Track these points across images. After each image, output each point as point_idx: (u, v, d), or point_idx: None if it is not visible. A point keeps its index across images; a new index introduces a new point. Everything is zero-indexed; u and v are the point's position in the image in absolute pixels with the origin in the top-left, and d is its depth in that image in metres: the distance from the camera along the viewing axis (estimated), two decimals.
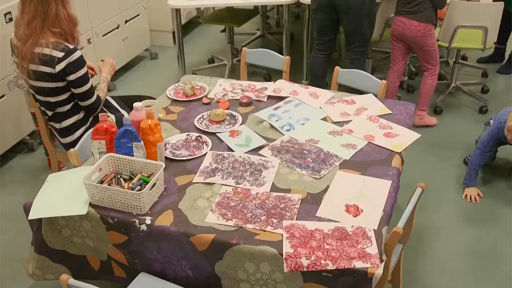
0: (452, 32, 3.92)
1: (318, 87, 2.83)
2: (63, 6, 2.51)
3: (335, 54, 5.29)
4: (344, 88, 3.00)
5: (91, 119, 2.75)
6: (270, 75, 4.61)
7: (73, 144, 2.57)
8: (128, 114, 2.59)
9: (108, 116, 2.58)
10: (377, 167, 2.15)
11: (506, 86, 4.72)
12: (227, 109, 2.56)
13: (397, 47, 3.86)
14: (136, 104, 2.17)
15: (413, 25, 3.62)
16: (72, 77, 2.53)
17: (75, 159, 2.22)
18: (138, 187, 1.92)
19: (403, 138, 2.36)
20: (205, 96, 2.71)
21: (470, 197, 3.22)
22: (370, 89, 2.85)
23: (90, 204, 1.93)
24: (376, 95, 2.75)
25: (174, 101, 2.69)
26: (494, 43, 4.31)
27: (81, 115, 2.71)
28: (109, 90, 4.45)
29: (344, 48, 3.98)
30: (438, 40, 4.07)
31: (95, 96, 2.66)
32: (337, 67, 3.02)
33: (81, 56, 2.54)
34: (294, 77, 4.18)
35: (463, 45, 4.11)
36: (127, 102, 2.97)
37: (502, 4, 3.90)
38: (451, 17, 3.90)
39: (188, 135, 2.35)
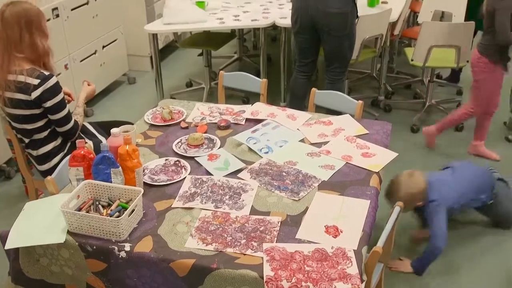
0: (426, 52, 3.99)
1: (298, 109, 2.85)
2: (30, 34, 2.51)
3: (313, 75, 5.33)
4: (321, 110, 3.03)
5: (68, 145, 2.74)
6: (248, 97, 4.63)
7: (50, 171, 2.55)
8: (106, 140, 2.58)
9: (86, 143, 2.57)
10: (356, 187, 2.17)
11: None
12: (205, 132, 2.57)
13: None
14: (113, 130, 2.16)
15: (474, 53, 3.58)
16: (48, 104, 2.52)
17: (52, 187, 2.20)
18: (117, 213, 1.90)
19: (380, 157, 2.38)
20: (183, 120, 2.72)
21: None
22: (347, 110, 2.87)
23: (68, 232, 1.91)
24: (353, 116, 2.78)
25: (152, 126, 2.68)
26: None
27: (58, 141, 2.70)
28: (87, 115, 4.48)
29: (323, 69, 4.00)
30: (412, 60, 4.14)
31: (72, 122, 2.65)
32: (314, 89, 3.05)
33: (57, 83, 2.54)
34: (272, 99, 4.20)
35: (437, 64, 4.19)
36: (105, 127, 2.96)
37: (473, 23, 3.99)
38: (425, 37, 3.98)
39: (166, 159, 2.35)
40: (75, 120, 2.68)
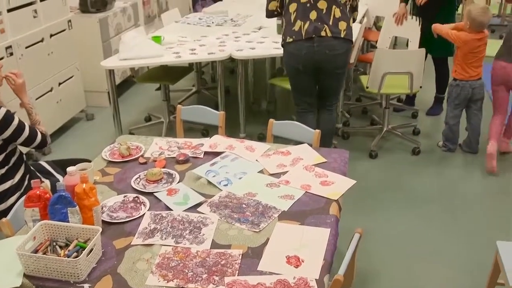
0: (380, 79, 4.08)
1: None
2: None
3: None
4: (279, 140, 3.05)
5: (25, 184, 2.69)
6: (208, 130, 4.64)
7: (6, 212, 2.49)
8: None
9: (42, 182, 2.53)
10: (315, 216, 2.18)
11: (436, 126, 4.92)
12: (163, 167, 2.56)
13: (498, 90, 4.09)
14: (69, 169, 2.13)
15: None
16: (5, 135, 2.50)
17: (7, 229, 2.15)
18: (75, 253, 1.87)
19: (339, 185, 2.41)
20: (141, 155, 2.70)
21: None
22: (305, 139, 2.91)
23: (25, 275, 1.86)
24: (310, 145, 2.81)
25: (110, 163, 2.66)
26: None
27: (15, 179, 2.65)
28: (44, 154, 4.40)
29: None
30: (367, 87, 4.23)
31: (39, 135, 2.64)
32: (271, 120, 3.07)
33: (7, 112, 2.52)
34: (232, 131, 4.23)
35: (391, 91, 4.29)
36: (63, 166, 2.92)
37: (423, 50, 4.13)
38: (378, 65, 4.07)
39: (125, 196, 2.33)
40: (39, 132, 2.67)
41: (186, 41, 4.53)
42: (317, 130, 2.90)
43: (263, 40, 4.50)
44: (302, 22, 3.48)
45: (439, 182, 4.00)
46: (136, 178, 2.47)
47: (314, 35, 3.47)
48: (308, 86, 3.74)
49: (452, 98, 4.26)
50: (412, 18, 4.81)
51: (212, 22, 5.20)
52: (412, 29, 4.83)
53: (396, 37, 5.79)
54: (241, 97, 4.38)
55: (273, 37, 4.56)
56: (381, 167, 4.21)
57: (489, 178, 4.04)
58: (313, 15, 3.47)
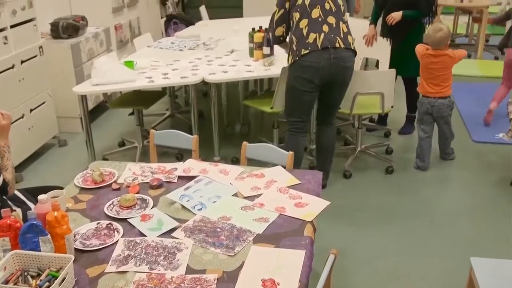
0: (352, 99, 4.13)
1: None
2: None
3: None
4: (254, 162, 3.06)
5: None
6: (182, 154, 4.63)
7: None
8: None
9: (14, 211, 2.49)
10: (290, 238, 2.18)
11: (408, 145, 4.98)
12: (137, 193, 2.54)
13: (510, 70, 5.23)
14: (40, 197, 2.11)
15: None
16: None
17: None
18: (47, 283, 1.84)
19: (313, 206, 2.42)
20: (115, 181, 2.68)
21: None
22: (278, 161, 2.92)
23: None
24: (284, 167, 2.82)
25: (83, 189, 2.63)
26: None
27: None
28: (16, 181, 4.33)
29: (317, 121, 4.09)
30: (340, 108, 4.27)
31: (0, 179, 2.59)
32: (244, 143, 3.08)
33: None
34: (206, 155, 4.23)
35: (363, 111, 4.34)
36: (35, 193, 2.87)
37: (393, 71, 4.19)
38: (350, 86, 4.10)
39: (98, 223, 2.30)
40: (3, 179, 2.61)
41: (159, 65, 4.53)
42: (291, 152, 2.91)
43: (235, 64, 4.53)
44: (317, 34, 3.59)
45: (413, 200, 4.04)
46: (110, 205, 2.45)
47: (329, 46, 3.58)
48: (312, 102, 3.83)
49: (418, 112, 4.50)
50: (383, 38, 4.89)
51: (185, 46, 5.22)
52: (382, 50, 4.91)
53: (367, 58, 5.86)
54: (214, 120, 4.39)
55: (246, 60, 4.59)
56: (356, 186, 4.24)
57: (463, 195, 4.09)
58: (325, 28, 3.61)
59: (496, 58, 8.14)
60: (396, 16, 4.64)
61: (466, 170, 4.51)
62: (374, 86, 4.15)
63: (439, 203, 3.99)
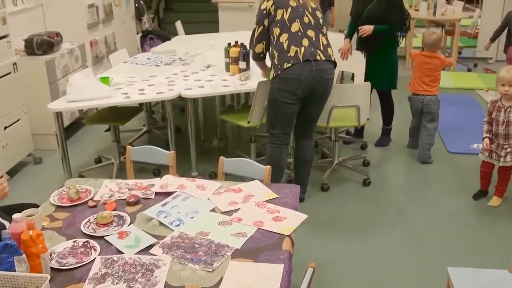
0: (328, 113, 4.16)
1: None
2: None
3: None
4: (231, 177, 3.05)
5: None
6: (159, 170, 4.60)
7: None
8: None
9: None
10: (268, 252, 2.18)
11: (384, 157, 5.03)
12: (114, 210, 2.52)
13: None
14: (15, 216, 2.08)
15: None
16: None
17: None
18: None
19: (291, 220, 2.42)
20: (91, 199, 2.66)
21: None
22: (256, 175, 2.92)
23: None
24: (261, 181, 2.82)
25: (59, 207, 2.60)
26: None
27: None
28: None
29: (296, 135, 4.12)
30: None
31: None
32: (222, 157, 3.08)
33: None
34: (183, 170, 4.21)
35: (339, 124, 4.37)
36: (9, 212, 2.82)
37: (369, 84, 4.24)
38: None
39: (74, 241, 2.28)
40: None
41: (135, 81, 4.52)
42: (268, 166, 2.91)
43: (211, 78, 4.54)
44: (297, 48, 3.63)
45: (391, 211, 4.07)
46: (86, 222, 2.42)
47: (310, 59, 3.62)
48: (294, 114, 3.86)
49: (411, 108, 5.02)
50: (359, 52, 4.95)
51: (161, 62, 5.22)
52: (357, 63, 4.97)
53: (342, 72, 5.93)
54: (191, 135, 4.39)
55: (222, 75, 4.61)
56: (333, 199, 4.26)
57: (440, 205, 4.14)
58: (305, 41, 3.65)
59: (469, 70, 8.28)
60: (367, 29, 4.72)
61: (442, 181, 4.56)
62: (350, 99, 4.19)
63: (416, 214, 4.03)
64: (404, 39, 4.98)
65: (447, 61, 4.82)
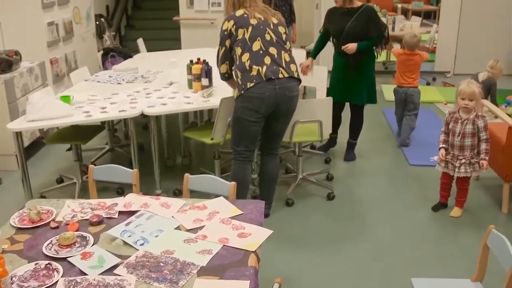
0: (291, 128, 4.19)
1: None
2: None
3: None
4: (196, 194, 3.04)
5: None
6: (123, 188, 4.55)
7: None
8: None
9: None
10: (234, 269, 2.18)
11: (348, 170, 5.08)
12: (76, 230, 2.48)
13: None
14: None
15: None
16: None
17: None
18: None
19: (256, 236, 2.42)
20: (53, 220, 2.61)
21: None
22: (221, 192, 2.92)
23: None
24: (226, 197, 2.82)
25: (19, 229, 2.55)
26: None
27: None
28: None
29: (261, 151, 4.13)
30: None
31: None
32: (186, 174, 3.07)
33: None
34: (147, 188, 4.19)
35: (303, 139, 4.41)
36: None
37: (331, 99, 4.29)
38: None
39: (36, 264, 2.23)
40: None
41: (96, 99, 4.48)
42: (233, 183, 2.92)
43: (174, 96, 4.53)
44: (259, 67, 3.64)
45: (355, 224, 4.11)
46: (48, 244, 2.38)
47: (273, 77, 3.63)
48: (258, 132, 3.87)
49: (395, 100, 5.85)
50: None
51: (123, 79, 5.19)
52: (319, 78, 5.03)
53: (305, 87, 5.99)
54: (155, 153, 4.36)
55: (184, 92, 4.61)
56: (298, 214, 4.28)
57: (403, 217, 4.20)
58: (267, 60, 3.66)
59: (428, 84, 8.46)
60: (351, 47, 4.78)
61: (404, 193, 4.64)
62: (312, 114, 4.24)
63: (379, 227, 4.08)
64: (382, 51, 5.09)
65: (425, 56, 5.61)
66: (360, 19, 4.80)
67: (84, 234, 2.45)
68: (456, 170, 4.05)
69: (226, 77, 3.91)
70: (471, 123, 3.95)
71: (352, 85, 4.96)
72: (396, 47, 6.32)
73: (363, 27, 4.79)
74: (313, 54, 5.15)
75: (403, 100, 5.70)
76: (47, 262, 2.23)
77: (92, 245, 2.36)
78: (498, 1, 8.83)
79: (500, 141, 4.24)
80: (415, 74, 5.65)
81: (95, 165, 3.26)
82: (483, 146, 3.96)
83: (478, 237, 2.61)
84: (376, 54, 5.01)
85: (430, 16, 13.21)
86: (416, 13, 12.07)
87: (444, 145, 4.10)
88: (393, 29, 8.49)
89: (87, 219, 2.60)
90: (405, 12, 12.44)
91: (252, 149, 3.94)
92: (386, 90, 8.14)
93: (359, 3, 4.88)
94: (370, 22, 4.81)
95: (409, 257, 3.68)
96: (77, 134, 4.64)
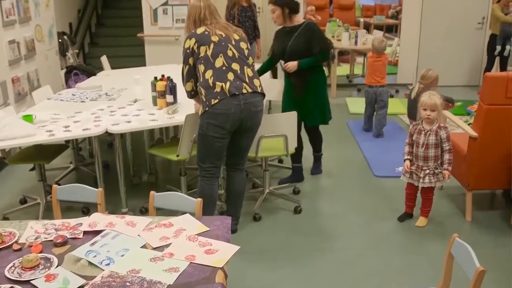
0: (257, 142, 4.21)
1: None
2: None
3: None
4: (163, 212, 3.02)
5: None
6: (88, 208, 4.49)
7: None
8: None
9: None
10: (202, 286, 2.17)
11: (315, 184, 5.12)
12: (40, 252, 2.43)
13: None
14: None
15: None
16: None
17: None
18: None
19: (223, 252, 2.42)
20: (16, 242, 2.56)
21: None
22: (187, 209, 2.91)
23: None
24: (193, 214, 2.81)
25: None
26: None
27: None
28: None
29: (228, 167, 4.13)
30: None
31: None
32: (152, 192, 3.05)
33: None
34: (113, 207, 4.15)
35: (268, 154, 4.43)
36: None
37: (295, 113, 4.31)
38: None
39: None
40: None
41: (60, 118, 4.42)
42: (199, 199, 2.91)
43: (139, 113, 4.50)
44: (223, 83, 3.65)
45: (323, 237, 4.14)
46: (11, 267, 2.33)
47: (237, 93, 3.65)
48: (224, 148, 3.87)
49: (366, 99, 6.67)
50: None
51: (86, 97, 5.14)
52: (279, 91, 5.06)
53: (270, 101, 6.02)
54: (120, 171, 4.32)
55: (149, 109, 4.58)
56: (266, 229, 4.29)
57: (370, 228, 4.24)
58: (230, 75, 3.68)
59: (391, 96, 8.58)
60: (291, 65, 4.69)
61: (370, 204, 4.69)
62: (277, 129, 4.26)
63: (347, 239, 4.11)
64: (331, 66, 5.08)
65: (388, 56, 6.68)
66: (301, 36, 4.67)
67: (48, 255, 2.41)
68: (421, 180, 4.12)
69: (193, 94, 3.92)
70: (434, 134, 4.03)
71: (302, 106, 4.82)
72: (359, 60, 6.86)
73: (305, 44, 4.66)
74: (259, 70, 5.07)
75: (374, 99, 6.51)
76: (9, 285, 2.19)
77: (57, 267, 2.32)
78: (457, 14, 9.07)
79: (462, 151, 4.34)
80: (383, 74, 6.51)
81: (59, 184, 3.22)
82: (446, 156, 4.04)
83: (444, 245, 2.65)
84: (325, 73, 4.91)
85: (392, 30, 13.46)
86: (378, 27, 12.29)
87: (409, 157, 4.17)
88: (355, 43, 8.62)
89: (51, 240, 2.55)
90: (367, 27, 12.65)
91: (218, 165, 3.94)
92: (351, 103, 8.25)
93: (301, 20, 4.78)
94: (312, 38, 4.67)
95: (377, 267, 3.72)
96: (40, 154, 4.57)
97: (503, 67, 8.51)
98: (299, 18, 4.79)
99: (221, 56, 3.70)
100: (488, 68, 8.54)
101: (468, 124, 4.48)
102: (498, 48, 8.32)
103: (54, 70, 7.38)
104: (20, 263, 2.35)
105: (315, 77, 4.81)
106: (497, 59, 8.53)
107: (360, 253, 3.91)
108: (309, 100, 4.83)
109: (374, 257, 3.85)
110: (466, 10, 9.04)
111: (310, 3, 13.45)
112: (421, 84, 5.61)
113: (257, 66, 4.46)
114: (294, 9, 4.69)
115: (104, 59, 7.12)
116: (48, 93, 5.38)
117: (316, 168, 5.41)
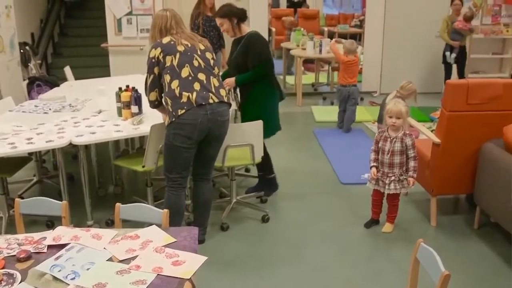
0: (223, 152, 4.20)
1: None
2: None
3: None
4: (130, 224, 2.99)
5: None
6: (53, 221, 4.41)
7: None
8: None
9: None
10: None
11: (281, 192, 5.13)
12: (2, 268, 2.38)
13: None
14: None
15: None
16: None
17: None
18: None
19: (191, 263, 2.40)
20: None
21: None
22: (154, 220, 2.88)
23: None
24: (159, 225, 2.79)
25: None
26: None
27: None
28: None
29: (194, 177, 4.11)
30: None
31: None
32: (117, 204, 3.01)
33: None
34: (79, 220, 4.10)
35: (235, 163, 4.42)
36: None
37: (261, 122, 4.32)
38: None
39: None
40: None
41: (22, 130, 4.34)
42: (165, 210, 2.89)
43: (103, 124, 4.45)
44: (189, 93, 3.64)
45: (291, 245, 4.14)
46: None
47: (204, 103, 3.64)
48: (191, 158, 3.84)
49: (338, 97, 7.33)
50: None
51: (50, 109, 5.05)
52: None
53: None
54: (85, 183, 4.26)
55: (114, 120, 4.53)
56: (234, 238, 4.27)
57: (337, 236, 4.27)
58: (196, 85, 3.67)
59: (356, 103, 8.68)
60: (229, 82, 4.53)
61: (337, 212, 4.72)
62: (243, 138, 4.27)
63: (315, 247, 4.12)
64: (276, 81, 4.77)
65: (357, 57, 7.20)
66: (242, 48, 4.50)
67: (11, 271, 2.35)
68: (386, 187, 4.17)
69: (156, 104, 3.89)
70: (400, 141, 4.08)
71: (244, 118, 4.69)
72: (352, 40, 7.50)
73: (243, 57, 4.48)
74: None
75: (346, 97, 7.10)
76: None
77: (20, 283, 2.27)
78: (419, 22, 9.24)
79: (426, 157, 4.41)
80: (355, 74, 7.13)
81: (22, 198, 3.15)
82: (412, 163, 4.10)
83: (410, 250, 2.68)
84: (271, 86, 4.66)
85: (355, 38, 13.63)
86: (342, 36, 12.44)
87: (375, 164, 4.21)
88: (320, 51, 8.69)
89: (14, 255, 2.50)
90: (331, 35, 12.80)
91: (186, 175, 3.92)
92: (316, 111, 8.31)
93: (246, 30, 4.58)
94: (248, 51, 4.46)
95: (345, 274, 3.74)
96: (2, 167, 4.48)
97: (460, 74, 8.71)
98: (245, 28, 4.60)
99: (187, 66, 3.69)
100: (447, 76, 8.73)
101: (431, 131, 4.56)
102: (447, 54, 8.56)
103: (16, 81, 7.25)
104: None
105: (256, 89, 4.60)
106: (455, 67, 8.73)
107: (328, 260, 3.93)
108: (250, 112, 4.63)
109: (342, 264, 3.87)
110: (426, 19, 9.22)
111: (274, 13, 13.58)
112: (398, 93, 5.98)
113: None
114: (241, 18, 4.53)
115: (67, 70, 7.03)
116: (9, 104, 5.28)
117: (270, 190, 5.10)
